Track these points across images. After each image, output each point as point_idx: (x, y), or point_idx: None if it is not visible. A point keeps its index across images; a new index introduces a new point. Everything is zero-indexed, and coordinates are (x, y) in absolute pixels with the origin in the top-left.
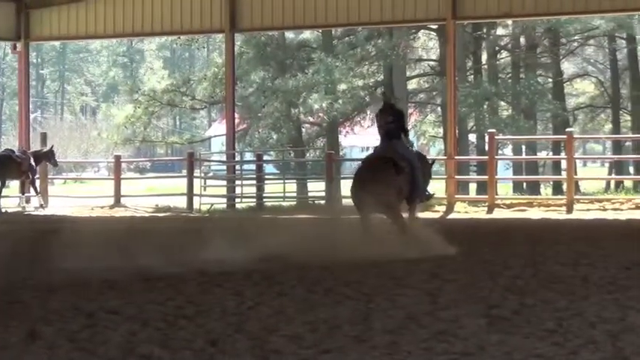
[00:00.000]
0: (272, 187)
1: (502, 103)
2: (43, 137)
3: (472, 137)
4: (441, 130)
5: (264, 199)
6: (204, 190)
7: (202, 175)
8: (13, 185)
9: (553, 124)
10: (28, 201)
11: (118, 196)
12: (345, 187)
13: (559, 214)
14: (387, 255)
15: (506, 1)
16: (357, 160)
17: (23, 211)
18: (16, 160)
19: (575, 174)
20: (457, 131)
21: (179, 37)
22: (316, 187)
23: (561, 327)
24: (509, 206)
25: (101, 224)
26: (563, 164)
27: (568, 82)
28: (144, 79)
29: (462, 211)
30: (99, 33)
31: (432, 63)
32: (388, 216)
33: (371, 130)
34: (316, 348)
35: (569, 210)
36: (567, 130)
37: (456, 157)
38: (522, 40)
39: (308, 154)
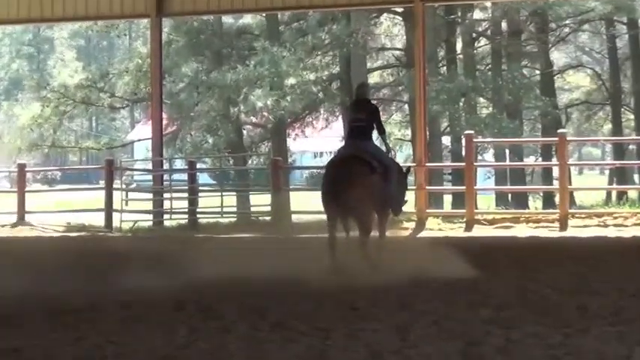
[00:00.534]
0: (207, 201)
1: (481, 99)
2: None
3: (446, 140)
4: (408, 132)
5: (198, 215)
6: (126, 204)
7: (124, 186)
8: None
9: (542, 124)
10: None
11: (21, 212)
12: (295, 199)
13: (551, 232)
14: (349, 281)
15: None
16: (309, 168)
17: None
18: None
19: (570, 184)
20: (428, 133)
21: (95, 23)
22: (260, 201)
23: None
24: (491, 222)
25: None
26: (555, 172)
27: (559, 75)
28: (53, 73)
29: (436, 228)
30: (1, 18)
31: (397, 52)
32: (359, 225)
33: (325, 133)
34: None
35: (563, 226)
36: (559, 131)
37: (427, 165)
38: (504, 25)
39: (250, 162)
